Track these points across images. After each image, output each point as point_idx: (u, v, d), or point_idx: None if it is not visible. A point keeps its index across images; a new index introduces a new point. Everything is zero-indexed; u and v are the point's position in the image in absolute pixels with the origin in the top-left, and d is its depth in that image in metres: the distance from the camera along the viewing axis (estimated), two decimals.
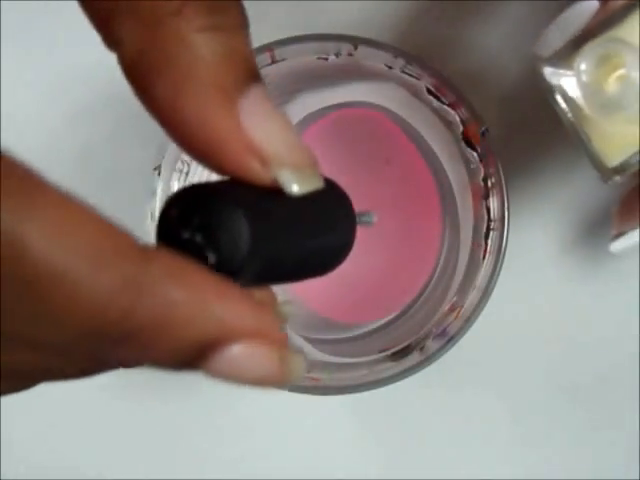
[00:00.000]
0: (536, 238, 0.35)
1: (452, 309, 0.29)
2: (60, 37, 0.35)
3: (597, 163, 0.24)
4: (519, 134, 0.35)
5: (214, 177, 0.15)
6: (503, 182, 0.28)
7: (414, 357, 0.28)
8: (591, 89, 0.22)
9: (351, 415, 0.36)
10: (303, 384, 0.28)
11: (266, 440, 0.36)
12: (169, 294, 0.12)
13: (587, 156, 0.24)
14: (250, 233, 0.13)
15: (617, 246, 0.27)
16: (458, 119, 0.29)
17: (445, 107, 0.29)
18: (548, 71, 0.24)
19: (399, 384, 0.28)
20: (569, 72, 0.22)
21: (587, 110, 0.23)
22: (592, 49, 0.22)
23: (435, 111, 0.30)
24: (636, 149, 0.23)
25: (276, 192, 0.15)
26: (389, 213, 0.34)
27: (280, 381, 0.13)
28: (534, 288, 0.36)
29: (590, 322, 0.35)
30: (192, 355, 0.13)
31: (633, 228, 0.27)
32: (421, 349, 0.28)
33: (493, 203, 0.28)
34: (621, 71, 0.22)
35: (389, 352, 0.30)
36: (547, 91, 0.24)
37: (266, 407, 0.36)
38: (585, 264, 0.35)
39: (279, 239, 0.14)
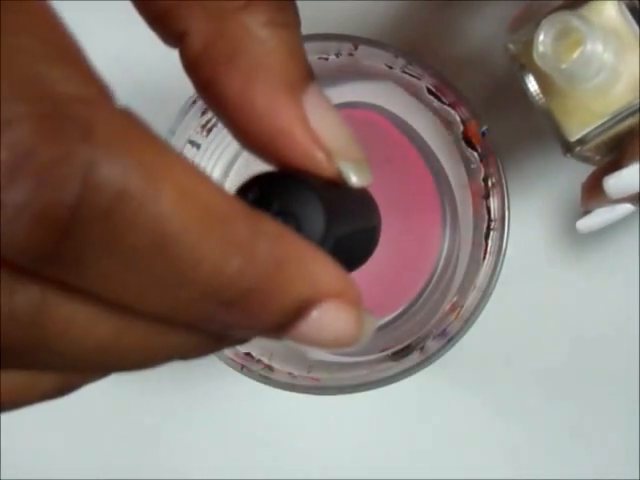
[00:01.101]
0: (536, 238, 0.35)
1: (452, 309, 0.29)
2: None
3: (559, 136, 0.24)
4: (520, 132, 0.35)
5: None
6: (504, 182, 0.28)
7: (414, 357, 0.28)
8: (549, 61, 0.22)
9: (351, 415, 0.36)
10: (303, 384, 0.28)
11: (266, 440, 0.36)
12: (277, 254, 0.12)
13: (550, 129, 0.24)
14: (325, 215, 0.14)
15: (583, 224, 0.27)
16: (458, 119, 0.29)
17: (445, 107, 0.29)
18: (514, 47, 0.24)
19: (399, 384, 0.28)
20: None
21: (549, 82, 0.24)
22: (550, 21, 0.22)
23: (435, 111, 0.30)
24: (595, 124, 0.24)
25: (333, 183, 0.16)
26: (389, 213, 0.34)
27: (355, 341, 0.14)
28: (534, 288, 0.36)
29: (591, 322, 0.35)
30: (289, 316, 0.13)
31: (599, 205, 0.27)
32: (421, 349, 0.28)
33: (493, 203, 0.28)
34: (581, 47, 0.22)
35: (389, 352, 0.30)
36: (515, 67, 0.25)
37: (266, 407, 0.36)
38: (586, 265, 0.35)
39: (343, 224, 0.15)
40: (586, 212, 0.27)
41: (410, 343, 0.29)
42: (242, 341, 0.15)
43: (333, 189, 0.16)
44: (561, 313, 0.35)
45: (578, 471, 0.35)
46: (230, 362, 0.28)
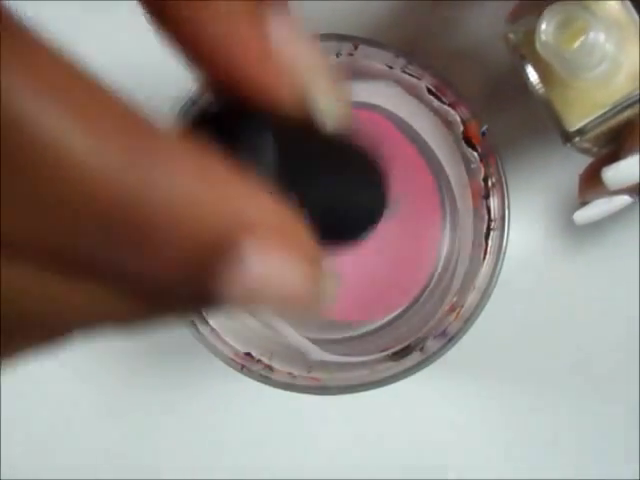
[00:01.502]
0: (536, 238, 0.35)
1: (452, 309, 0.29)
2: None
3: (558, 126, 0.24)
4: (520, 132, 0.35)
5: None
6: (504, 182, 0.28)
7: (414, 357, 0.28)
8: (552, 50, 0.22)
9: (351, 415, 0.36)
10: (303, 384, 0.28)
11: (266, 440, 0.36)
12: (182, 175, 0.10)
13: (549, 119, 0.24)
14: (276, 148, 0.12)
15: (580, 215, 0.27)
16: (458, 119, 0.29)
17: (445, 107, 0.29)
18: (515, 37, 0.24)
19: (399, 384, 0.28)
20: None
21: (550, 72, 0.24)
22: (553, 10, 0.22)
23: (435, 111, 0.30)
24: (595, 114, 0.24)
25: (304, 126, 0.13)
26: (389, 213, 0.34)
27: (307, 303, 0.11)
28: (534, 288, 0.35)
29: (591, 322, 0.35)
30: (203, 259, 0.10)
31: (596, 197, 0.26)
32: (421, 349, 0.28)
33: (493, 203, 0.28)
34: (583, 37, 0.22)
35: (389, 352, 0.30)
36: (515, 57, 0.24)
37: (266, 407, 0.36)
38: (586, 265, 0.35)
39: (306, 171, 0.13)
40: (583, 204, 0.27)
41: (410, 343, 0.29)
42: (181, 308, 0.12)
43: (308, 134, 0.13)
44: (561, 313, 0.35)
45: (578, 471, 0.35)
46: (230, 362, 0.28)
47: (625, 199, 0.26)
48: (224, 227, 0.10)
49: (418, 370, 0.28)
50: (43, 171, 0.09)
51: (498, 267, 0.28)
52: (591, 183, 0.26)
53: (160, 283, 0.10)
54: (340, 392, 0.28)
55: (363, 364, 0.30)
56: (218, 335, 0.28)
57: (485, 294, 0.28)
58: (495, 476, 0.36)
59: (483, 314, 0.28)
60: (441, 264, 0.32)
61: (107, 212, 0.09)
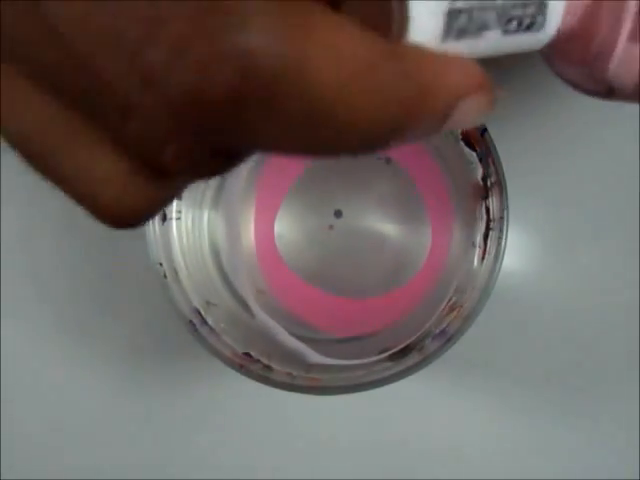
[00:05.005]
0: (536, 238, 0.35)
1: (451, 309, 0.29)
2: None
3: None
4: (520, 130, 0.35)
5: None
6: (502, 182, 0.28)
7: (413, 357, 0.28)
8: None
9: (351, 415, 0.36)
10: (302, 384, 0.28)
11: (265, 440, 0.36)
12: (423, 78, 0.13)
13: None
14: None
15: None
16: None
17: None
18: None
19: (399, 384, 0.28)
20: None
21: None
22: None
23: None
24: None
25: None
26: (388, 213, 0.34)
27: (491, 109, 0.15)
28: (533, 288, 0.35)
29: (591, 322, 0.35)
30: (446, 112, 0.14)
31: None
32: (420, 349, 0.28)
33: (492, 203, 0.28)
34: None
35: (388, 352, 0.30)
36: None
37: (265, 407, 0.36)
38: (586, 265, 0.35)
39: None
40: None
41: (409, 343, 0.29)
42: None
43: None
44: (561, 312, 0.35)
45: (578, 471, 0.35)
46: (229, 362, 0.28)
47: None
48: (453, 96, 0.14)
49: (417, 370, 0.28)
50: (341, 124, 0.12)
51: (497, 267, 0.28)
52: None
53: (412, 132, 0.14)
54: (339, 392, 0.28)
55: (362, 365, 0.30)
56: (217, 335, 0.28)
57: (484, 294, 0.28)
58: (495, 476, 0.36)
59: (482, 314, 0.28)
60: (441, 264, 0.32)
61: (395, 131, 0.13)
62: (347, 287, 0.33)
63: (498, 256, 0.28)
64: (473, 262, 0.29)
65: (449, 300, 0.30)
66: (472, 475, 0.36)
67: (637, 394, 0.35)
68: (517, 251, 0.35)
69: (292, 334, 0.31)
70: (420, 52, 0.14)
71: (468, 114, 0.15)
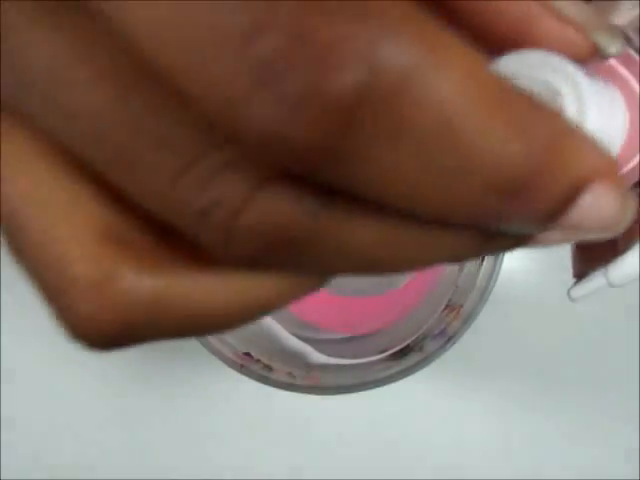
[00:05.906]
0: None
1: (451, 309, 0.29)
2: None
3: None
4: None
5: None
6: None
7: (413, 357, 0.28)
8: None
9: (351, 415, 0.36)
10: (302, 384, 0.28)
11: (265, 440, 0.36)
12: (554, 135, 0.11)
13: None
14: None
15: (577, 292, 0.24)
16: None
17: None
18: None
19: (399, 384, 0.28)
20: None
21: None
22: None
23: None
24: None
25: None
26: None
27: (619, 225, 0.12)
28: (534, 288, 0.35)
29: (591, 322, 0.35)
30: (564, 201, 0.11)
31: (594, 269, 0.24)
32: (420, 349, 0.28)
33: None
34: None
35: (389, 352, 0.30)
36: None
37: (266, 407, 0.36)
38: None
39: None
40: (578, 277, 0.25)
41: (409, 343, 0.29)
42: (511, 244, 0.13)
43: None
44: (561, 312, 0.35)
45: (578, 471, 0.35)
46: (229, 362, 0.28)
47: None
48: (579, 176, 0.11)
49: (417, 370, 0.28)
50: (467, 155, 0.10)
51: (497, 267, 0.28)
52: (586, 255, 0.24)
53: (519, 228, 0.12)
54: (339, 392, 0.28)
55: (362, 365, 0.30)
56: (217, 334, 0.28)
57: (485, 294, 0.28)
58: (495, 476, 0.36)
59: (482, 314, 0.28)
60: (441, 264, 0.32)
61: (512, 183, 0.11)
62: (347, 287, 0.33)
63: (498, 256, 0.28)
64: (473, 262, 0.29)
65: (449, 300, 0.30)
66: (472, 475, 0.36)
67: (637, 394, 0.35)
68: (517, 251, 0.35)
69: (292, 334, 0.31)
70: (556, 111, 0.11)
71: (590, 213, 0.11)
